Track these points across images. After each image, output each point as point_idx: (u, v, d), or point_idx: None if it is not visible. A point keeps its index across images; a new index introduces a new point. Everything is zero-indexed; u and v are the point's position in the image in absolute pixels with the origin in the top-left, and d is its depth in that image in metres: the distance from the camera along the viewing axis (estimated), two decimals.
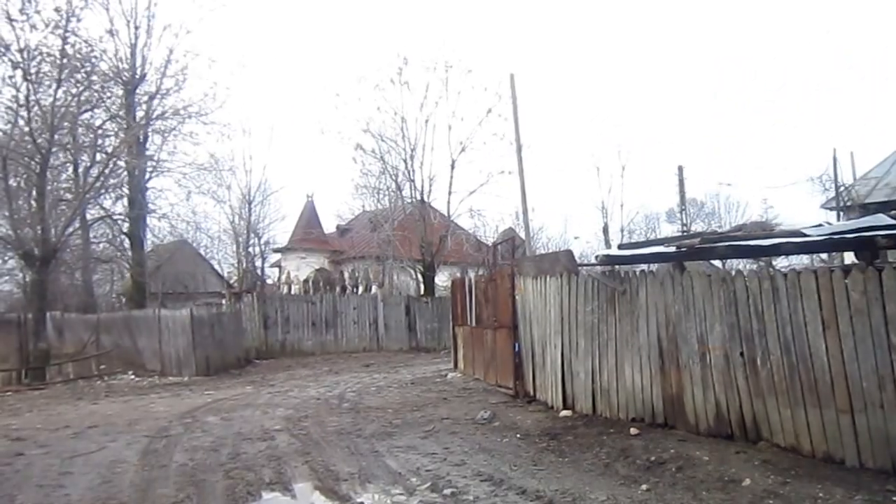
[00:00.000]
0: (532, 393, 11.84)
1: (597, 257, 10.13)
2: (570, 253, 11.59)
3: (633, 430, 8.72)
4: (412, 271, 31.38)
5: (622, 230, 33.83)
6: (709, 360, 8.24)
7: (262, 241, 35.68)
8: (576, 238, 36.52)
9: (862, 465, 6.67)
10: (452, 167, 29.21)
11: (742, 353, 7.84)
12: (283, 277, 32.96)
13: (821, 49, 73.01)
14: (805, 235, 7.58)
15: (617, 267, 10.75)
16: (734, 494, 6.35)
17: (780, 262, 16.66)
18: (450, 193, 29.50)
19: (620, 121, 60.64)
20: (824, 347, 7.00)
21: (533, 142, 51.48)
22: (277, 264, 41.09)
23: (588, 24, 77.96)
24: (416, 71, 47.96)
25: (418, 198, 29.73)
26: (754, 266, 14.70)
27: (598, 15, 77.12)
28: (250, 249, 33.66)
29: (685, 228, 29.76)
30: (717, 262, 18.97)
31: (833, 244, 7.21)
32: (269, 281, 36.92)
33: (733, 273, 8.26)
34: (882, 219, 7.12)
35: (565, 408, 10.47)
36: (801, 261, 17.79)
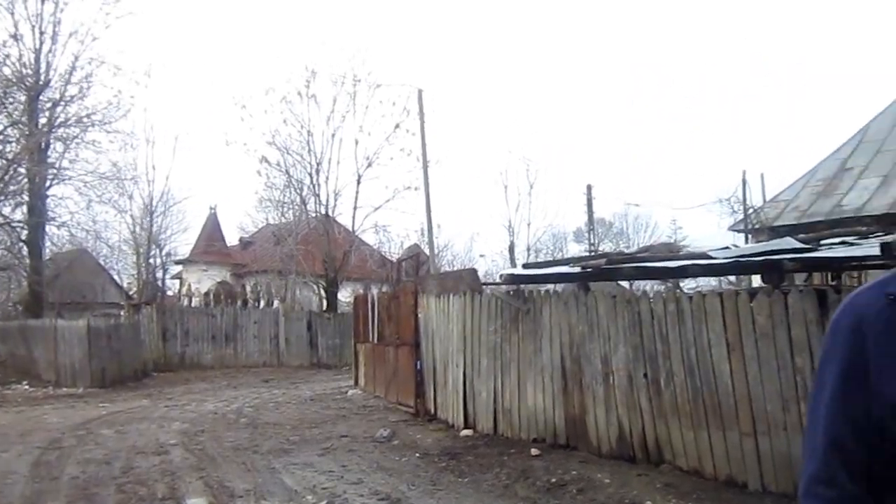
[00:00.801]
0: (433, 411, 11.39)
1: (501, 276, 9.78)
2: (474, 271, 11.25)
3: (534, 451, 8.36)
4: (315, 286, 30.49)
5: (529, 249, 33.71)
6: (612, 381, 7.94)
7: (164, 253, 34.27)
8: (482, 256, 36.33)
9: (765, 489, 6.44)
10: (358, 182, 28.55)
11: (646, 375, 7.57)
12: (184, 290, 31.61)
13: (737, 56, 75.87)
14: (711, 258, 7.40)
15: (522, 286, 10.41)
16: None
17: (689, 284, 16.72)
18: (355, 209, 28.82)
19: (530, 139, 61.25)
20: (728, 370, 6.77)
21: (441, 158, 51.34)
22: (179, 276, 39.52)
23: (499, 41, 78.82)
24: (324, 84, 47.04)
25: (323, 212, 28.90)
26: (662, 287, 14.67)
27: (508, 32, 78.03)
28: (151, 260, 32.22)
29: (593, 248, 29.80)
30: (626, 283, 18.94)
31: (739, 267, 7.04)
32: (169, 293, 35.41)
33: (647, 294, 8.02)
34: (790, 242, 6.98)
35: (466, 427, 10.05)
36: (708, 283, 17.95)
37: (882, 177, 13.61)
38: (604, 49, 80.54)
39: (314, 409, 13.57)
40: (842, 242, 7.15)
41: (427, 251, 18.71)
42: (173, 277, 39.41)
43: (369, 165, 28.43)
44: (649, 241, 37.04)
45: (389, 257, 29.51)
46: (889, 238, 6.20)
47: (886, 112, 22.00)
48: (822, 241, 7.42)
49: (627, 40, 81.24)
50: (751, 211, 20.07)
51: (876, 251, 5.78)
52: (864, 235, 7.34)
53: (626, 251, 14.36)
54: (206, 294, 29.04)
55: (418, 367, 11.79)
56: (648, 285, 18.48)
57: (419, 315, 11.95)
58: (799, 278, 9.10)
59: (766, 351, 6.47)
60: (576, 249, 39.86)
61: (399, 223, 61.96)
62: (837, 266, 6.86)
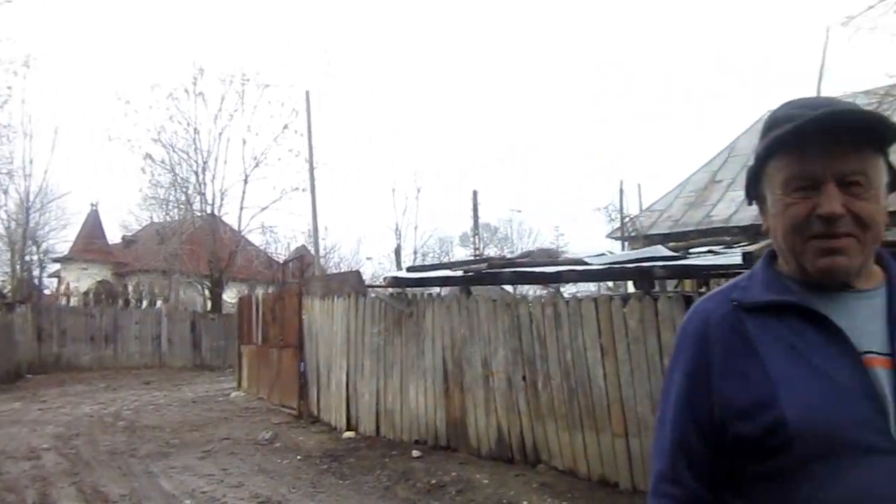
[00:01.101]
0: (316, 413, 11.21)
1: (385, 279, 9.69)
2: (358, 274, 11.15)
3: (415, 453, 8.33)
4: (200, 287, 29.59)
5: (416, 252, 33.76)
6: (492, 384, 7.99)
7: (41, 250, 32.48)
8: (368, 259, 36.08)
9: (635, 489, 6.59)
10: (245, 182, 27.79)
11: (524, 377, 7.65)
12: (63, 288, 30.12)
13: (619, 68, 77.98)
14: (587, 264, 7.54)
15: (407, 289, 10.36)
16: None
17: (571, 289, 17.03)
18: (241, 209, 28.03)
19: (418, 143, 61.32)
20: (602, 373, 6.91)
21: (329, 160, 50.67)
22: (57, 275, 37.62)
23: (389, 45, 78.69)
24: (212, 82, 45.95)
25: (209, 212, 28.08)
26: (544, 292, 14.94)
27: (398, 37, 78.01)
28: (27, 258, 30.47)
29: (478, 253, 30.08)
30: (510, 288, 19.20)
31: (613, 273, 7.21)
32: (47, 292, 33.65)
33: (527, 298, 8.11)
34: (660, 250, 7.20)
35: (349, 429, 9.93)
36: (588, 288, 18.34)
37: None
38: (491, 56, 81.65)
39: (196, 411, 13.14)
40: (709, 251, 7.44)
41: (314, 253, 18.44)
42: (51, 276, 37.50)
43: (257, 165, 27.77)
44: (533, 246, 37.72)
45: (276, 258, 28.93)
46: (751, 248, 6.47)
47: (753, 128, 23.16)
48: (692, 250, 7.69)
49: (517, 46, 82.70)
50: (627, 219, 20.66)
51: (738, 260, 6.01)
52: (730, 245, 7.66)
53: (508, 256, 14.53)
54: (86, 293, 27.77)
55: (302, 368, 11.59)
56: (532, 290, 18.77)
57: (303, 317, 11.75)
58: (671, 284, 9.44)
59: (638, 354, 6.64)
60: (462, 253, 40.29)
61: (286, 224, 60.90)
62: (704, 273, 7.11)
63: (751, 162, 1.54)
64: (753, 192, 1.51)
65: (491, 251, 38.50)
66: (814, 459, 1.27)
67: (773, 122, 1.44)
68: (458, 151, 69.77)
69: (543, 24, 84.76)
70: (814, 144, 1.35)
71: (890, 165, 1.42)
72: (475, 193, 30.37)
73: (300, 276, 13.21)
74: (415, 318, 8.92)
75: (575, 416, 7.14)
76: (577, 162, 71.77)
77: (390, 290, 10.04)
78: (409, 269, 10.03)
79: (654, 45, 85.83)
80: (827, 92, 18.08)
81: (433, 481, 7.27)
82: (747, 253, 5.76)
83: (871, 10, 7.10)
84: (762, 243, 6.25)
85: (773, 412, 1.30)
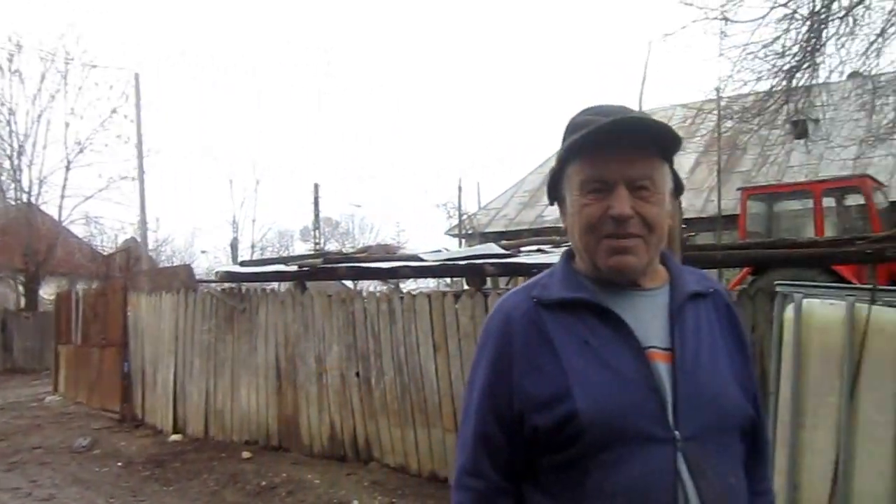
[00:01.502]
0: (141, 416, 10.70)
1: (216, 273, 9.40)
2: (189, 268, 10.76)
3: (245, 454, 8.12)
4: (13, 282, 27.51)
5: (254, 246, 32.85)
6: (325, 381, 7.92)
7: None
8: (203, 252, 34.65)
9: None
10: (68, 168, 25.80)
11: (358, 374, 7.64)
12: None
13: (458, 65, 79.10)
14: (422, 260, 7.64)
15: (243, 285, 10.09)
16: None
17: (411, 285, 17.09)
18: (63, 197, 26.12)
19: (258, 134, 59.72)
20: (434, 368, 7.01)
21: (163, 148, 48.42)
22: None
23: (227, 33, 76.39)
24: (32, 60, 42.66)
25: (25, 200, 26.14)
26: (384, 288, 14.96)
27: (236, 23, 75.83)
28: None
29: (318, 247, 29.65)
30: (351, 284, 19.02)
31: (447, 270, 7.35)
32: None
33: (363, 294, 8.10)
34: (493, 248, 7.39)
35: (176, 432, 9.54)
36: (428, 284, 18.51)
37: None
38: (333, 47, 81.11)
39: (3, 419, 12.11)
40: (538, 250, 7.73)
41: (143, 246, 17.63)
42: None
43: (81, 151, 25.85)
44: (374, 242, 37.68)
45: (102, 251, 27.35)
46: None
47: None
48: (523, 249, 7.96)
49: (360, 38, 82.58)
50: (465, 217, 21.09)
51: None
52: (558, 244, 7.99)
53: (346, 251, 14.51)
54: None
55: (126, 369, 11.02)
56: (374, 286, 18.78)
57: (129, 314, 11.19)
58: (504, 282, 9.74)
59: (469, 350, 6.76)
60: (302, 248, 39.55)
61: (114, 215, 57.57)
62: (533, 271, 7.34)
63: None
64: (555, 193, 1.59)
65: (332, 246, 38.11)
66: (602, 448, 1.36)
67: (573, 126, 1.51)
68: (300, 143, 68.76)
69: (387, 16, 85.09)
70: (607, 149, 1.44)
71: (674, 173, 1.54)
72: (316, 187, 29.99)
73: (126, 270, 12.56)
74: (247, 314, 8.70)
75: (407, 411, 7.21)
76: (421, 158, 72.48)
77: (225, 285, 9.77)
78: (242, 264, 9.79)
79: (499, 45, 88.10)
80: (649, 102, 19.27)
81: (263, 483, 7.12)
82: (569, 251, 6.03)
83: (685, 30, 7.64)
84: None
85: (567, 404, 1.38)
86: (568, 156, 1.50)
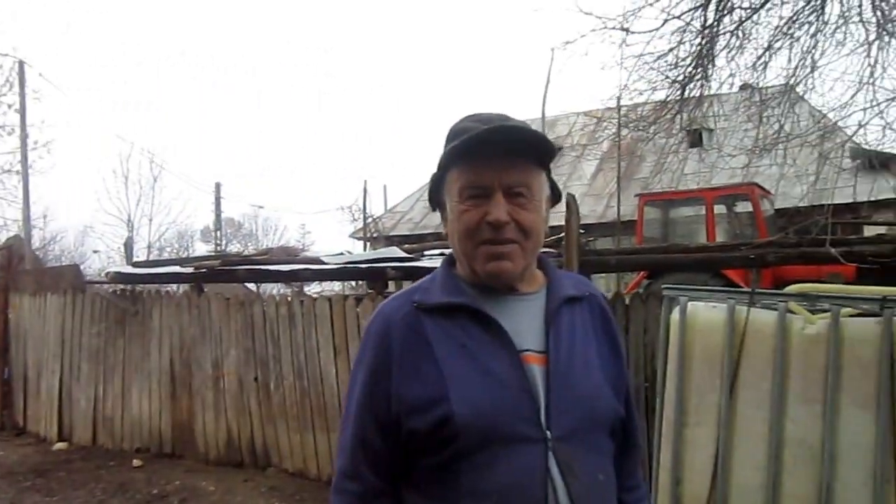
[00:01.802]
0: (22, 424, 10.21)
1: (107, 274, 9.09)
2: (76, 268, 10.35)
3: (136, 462, 7.86)
4: None
5: (150, 246, 31.73)
6: (223, 386, 7.77)
7: None
8: (95, 252, 33.20)
9: None
10: None
11: (256, 378, 7.53)
12: None
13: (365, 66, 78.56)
14: (323, 263, 7.60)
15: (138, 286, 9.78)
16: None
17: (317, 288, 16.84)
18: None
19: (156, 129, 57.70)
20: (335, 372, 6.98)
21: (52, 141, 46.35)
22: None
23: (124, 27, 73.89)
24: None
25: None
26: (288, 291, 14.72)
27: (139, 18, 73.42)
28: None
29: (220, 249, 28.89)
30: (253, 286, 18.64)
31: (348, 273, 7.34)
32: None
33: (262, 297, 7.99)
34: (396, 251, 7.42)
35: (61, 440, 9.15)
36: (333, 288, 18.29)
37: None
38: (240, 45, 79.66)
39: None
40: (440, 254, 7.80)
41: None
42: None
43: None
44: (279, 243, 37.00)
45: None
46: None
47: None
48: (426, 252, 8.01)
49: (267, 36, 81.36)
50: (370, 220, 21.01)
51: None
52: None
53: (245, 253, 14.25)
54: None
55: (6, 375, 10.52)
56: (276, 289, 18.46)
57: (10, 316, 10.68)
58: (407, 285, 9.74)
59: None
60: (203, 249, 38.47)
61: None
62: None
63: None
64: (436, 199, 1.62)
65: (234, 247, 37.18)
66: (476, 450, 1.40)
67: (453, 133, 1.54)
68: (202, 141, 67.05)
69: (292, 12, 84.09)
70: (485, 157, 1.48)
71: (552, 181, 1.60)
72: (218, 186, 29.20)
73: (7, 269, 11.98)
74: (140, 316, 8.44)
75: (307, 416, 7.16)
76: (327, 159, 71.77)
77: (116, 286, 9.46)
78: (135, 265, 9.48)
79: (408, 48, 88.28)
80: (553, 108, 19.71)
81: (154, 491, 6.92)
82: None
83: (584, 38, 7.87)
84: None
85: (443, 407, 1.41)
86: (448, 162, 1.53)
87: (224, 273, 8.11)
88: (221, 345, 7.80)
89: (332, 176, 68.61)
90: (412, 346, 1.49)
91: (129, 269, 8.98)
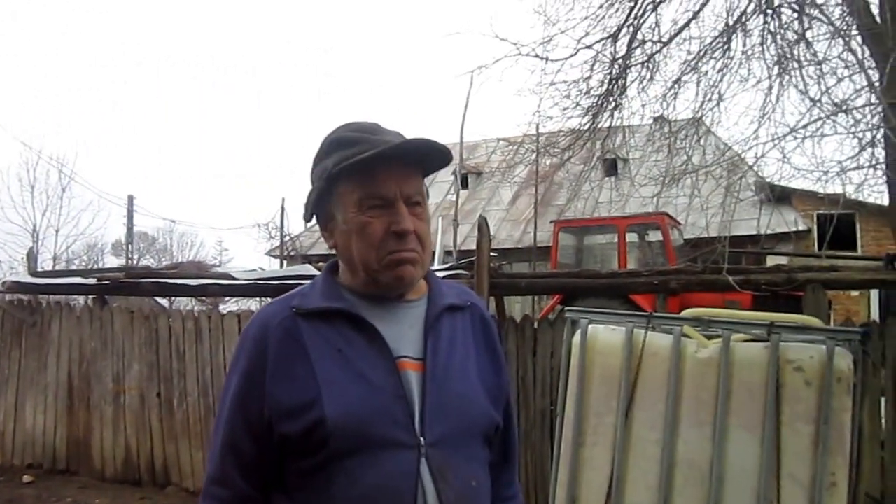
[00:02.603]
0: None
1: (3, 284, 8.74)
2: None
3: (27, 478, 7.54)
4: None
5: (56, 258, 30.51)
6: (123, 401, 7.54)
7: None
8: None
9: None
10: None
11: (159, 394, 7.34)
12: None
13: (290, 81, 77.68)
14: (233, 279, 7.49)
15: (40, 297, 9.42)
16: None
17: (233, 306, 16.45)
18: None
19: (65, 138, 55.75)
20: None
21: None
22: None
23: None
24: None
25: None
26: (201, 307, 14.35)
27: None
28: None
29: (131, 262, 28.06)
30: (165, 301, 18.14)
31: (258, 289, 7.23)
32: None
33: (168, 311, 7.79)
34: (308, 269, 7.36)
35: None
36: (249, 305, 17.85)
37: None
38: (153, 55, 78.15)
39: None
40: None
41: None
42: None
43: None
44: (195, 258, 36.13)
45: None
46: None
47: None
48: None
49: (183, 47, 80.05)
50: (288, 238, 20.80)
51: None
52: None
53: (154, 267, 13.88)
54: None
55: None
56: (189, 304, 18.00)
57: None
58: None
59: None
60: (114, 262, 37.29)
61: None
62: None
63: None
64: (320, 210, 1.60)
65: (147, 262, 36.15)
66: (348, 454, 1.41)
67: (339, 143, 1.55)
68: (115, 150, 64.97)
69: (187, 24, 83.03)
70: (387, 168, 1.50)
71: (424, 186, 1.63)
72: (130, 199, 28.42)
73: None
74: (38, 328, 8.13)
75: (209, 434, 6.99)
76: (245, 176, 70.63)
77: (14, 296, 9.10)
78: (35, 275, 9.13)
79: (325, 67, 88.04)
80: (472, 134, 19.92)
81: None
82: None
83: (499, 63, 8.01)
84: None
85: (316, 412, 1.42)
86: (338, 174, 1.52)
87: (128, 285, 7.89)
88: (123, 359, 7.58)
89: (250, 192, 67.53)
90: (288, 350, 1.49)
91: (28, 279, 8.63)
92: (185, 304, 18.26)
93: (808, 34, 6.63)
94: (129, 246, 30.31)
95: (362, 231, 1.50)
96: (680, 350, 3.47)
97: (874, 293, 9.55)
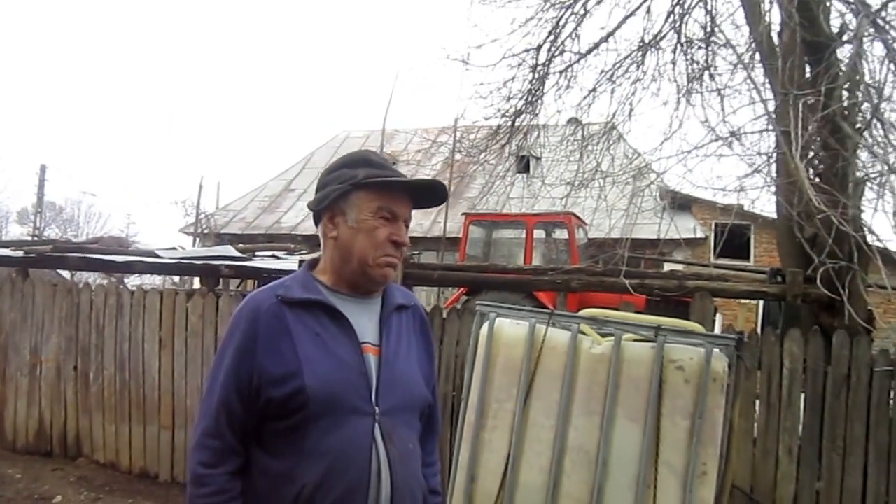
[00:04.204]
0: None
1: None
2: None
3: None
4: None
5: None
6: (39, 373, 7.36)
7: None
8: None
9: (174, 479, 6.64)
10: None
11: (76, 367, 7.19)
12: None
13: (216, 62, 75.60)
14: (158, 257, 7.40)
15: None
16: None
17: (136, 281, 16.05)
18: None
19: None
20: (158, 365, 6.80)
21: None
22: None
23: None
24: None
25: None
26: (105, 281, 13.95)
27: None
28: None
29: (37, 232, 26.99)
30: (66, 274, 17.53)
31: (182, 268, 7.16)
32: None
33: (91, 286, 7.61)
34: (230, 250, 7.34)
35: None
36: (153, 282, 17.45)
37: None
38: (83, 27, 75.12)
39: None
40: (272, 255, 7.78)
41: None
42: None
43: None
44: (101, 232, 34.90)
45: None
46: (307, 256, 6.95)
47: (329, 144, 24.50)
48: (258, 253, 7.96)
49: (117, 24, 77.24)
50: (203, 216, 20.42)
51: (295, 267, 6.41)
52: (291, 252, 8.10)
53: (73, 240, 13.44)
54: None
55: None
56: (92, 278, 17.35)
57: None
58: (234, 283, 9.63)
59: (195, 348, 6.67)
60: (19, 231, 35.74)
61: None
62: (265, 276, 7.38)
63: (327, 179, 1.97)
64: (332, 205, 1.92)
65: (52, 232, 34.70)
66: (320, 416, 1.74)
67: (366, 163, 1.93)
68: (27, 119, 61.98)
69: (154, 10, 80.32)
70: (402, 194, 1.92)
71: None
72: (43, 168, 27.40)
73: None
74: None
75: (124, 408, 6.91)
76: (161, 150, 68.37)
77: None
78: None
79: (261, 48, 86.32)
80: (393, 123, 19.97)
81: None
82: (303, 261, 6.20)
83: (427, 65, 8.10)
84: (317, 254, 6.78)
85: (297, 381, 1.74)
86: (361, 183, 1.88)
87: (55, 259, 7.69)
88: (42, 331, 7.39)
89: (163, 168, 65.49)
90: (275, 330, 1.79)
91: None
92: (87, 277, 17.51)
93: (715, 61, 6.93)
94: (38, 216, 29.19)
95: (371, 232, 1.86)
96: (576, 345, 3.64)
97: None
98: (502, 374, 3.80)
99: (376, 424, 1.78)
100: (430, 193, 1.99)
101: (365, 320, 1.88)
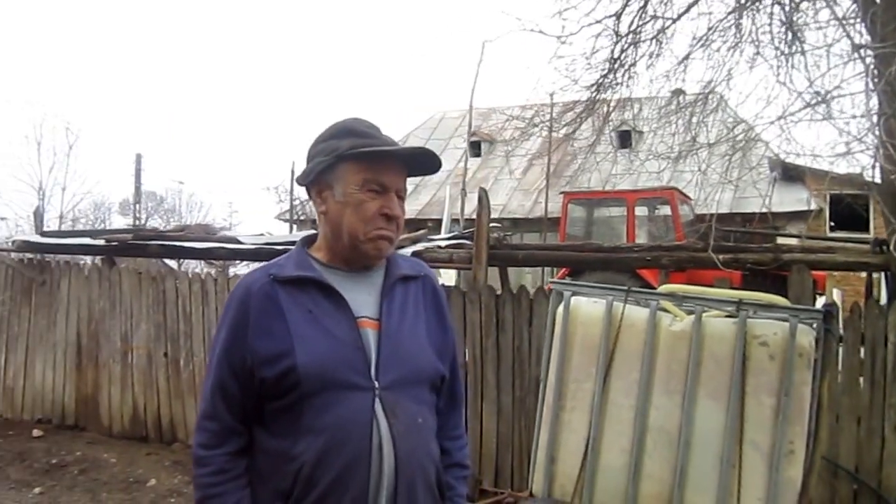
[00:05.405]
0: None
1: (13, 242, 9.13)
2: None
3: (37, 432, 7.98)
4: None
5: (63, 216, 30.79)
6: (131, 360, 7.97)
7: None
8: (2, 219, 32.15)
9: None
10: None
11: (166, 354, 7.76)
12: None
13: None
14: (240, 243, 7.84)
15: (47, 256, 9.79)
16: (136, 495, 6.26)
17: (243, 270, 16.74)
18: None
19: (72, 95, 55.79)
20: None
21: None
22: None
23: None
24: None
25: None
26: (211, 270, 14.68)
27: None
28: None
29: (138, 222, 28.33)
30: (174, 263, 18.45)
31: (263, 254, 7.56)
32: None
33: (176, 273, 8.14)
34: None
35: None
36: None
37: (413, 185, 15.40)
38: (167, 19, 78.03)
39: None
40: None
41: None
42: None
43: None
44: (203, 221, 36.31)
45: None
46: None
47: (425, 124, 24.69)
48: None
49: (197, 10, 79.89)
50: (297, 202, 20.99)
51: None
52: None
53: (162, 229, 14.16)
54: None
55: None
56: (199, 267, 18.25)
57: None
58: None
59: None
60: (122, 222, 37.49)
61: None
62: None
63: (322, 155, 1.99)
64: (319, 178, 1.95)
65: (155, 222, 36.35)
66: (315, 394, 1.79)
67: (350, 132, 1.94)
68: (123, 110, 65.15)
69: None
70: (391, 164, 1.92)
71: None
72: (139, 157, 28.75)
73: None
74: (48, 287, 8.54)
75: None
76: (256, 137, 70.57)
77: (23, 255, 9.49)
78: (44, 234, 9.52)
79: (340, 37, 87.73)
80: (486, 102, 20.08)
81: (54, 461, 7.07)
82: (306, 237, 6.49)
83: (511, 36, 8.22)
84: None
85: (289, 360, 1.79)
86: (346, 155, 1.89)
87: (136, 247, 8.26)
88: (131, 319, 7.98)
89: (262, 155, 67.61)
90: (267, 310, 1.85)
91: (38, 238, 9.02)
92: (194, 266, 18.59)
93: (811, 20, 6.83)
94: (137, 206, 30.58)
95: (359, 206, 1.87)
96: (655, 323, 3.79)
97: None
98: (580, 353, 3.99)
99: (377, 399, 1.81)
100: (422, 161, 1.99)
101: (364, 295, 1.92)
